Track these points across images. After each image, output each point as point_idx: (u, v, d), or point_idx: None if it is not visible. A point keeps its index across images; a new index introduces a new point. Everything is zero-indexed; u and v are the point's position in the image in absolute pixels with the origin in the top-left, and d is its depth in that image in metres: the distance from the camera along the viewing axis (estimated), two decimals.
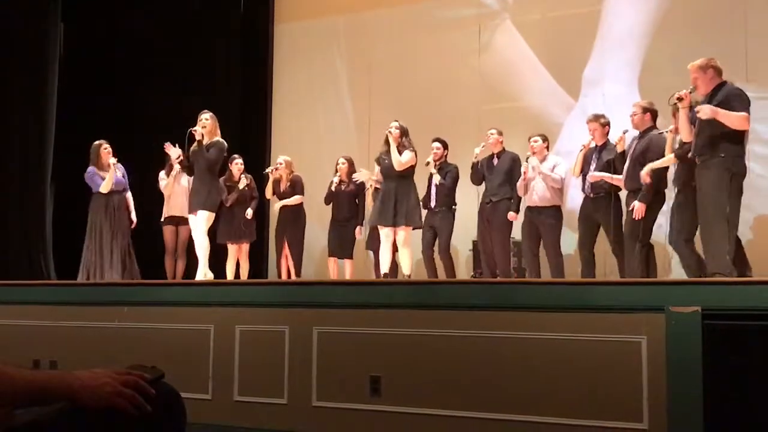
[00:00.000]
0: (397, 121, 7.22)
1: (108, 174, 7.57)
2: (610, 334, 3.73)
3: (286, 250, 8.28)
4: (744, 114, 5.12)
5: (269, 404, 4.48)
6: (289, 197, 8.20)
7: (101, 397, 1.47)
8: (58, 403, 1.49)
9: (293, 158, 8.51)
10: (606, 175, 6.54)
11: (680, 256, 5.83)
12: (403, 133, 7.11)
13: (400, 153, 6.99)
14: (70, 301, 5.34)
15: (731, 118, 5.10)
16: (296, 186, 8.23)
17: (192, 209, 6.97)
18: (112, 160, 7.61)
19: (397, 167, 6.99)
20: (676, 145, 5.89)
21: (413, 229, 7.17)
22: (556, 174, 7.06)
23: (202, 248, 6.94)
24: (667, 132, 6.09)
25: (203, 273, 6.92)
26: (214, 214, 7.06)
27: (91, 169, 7.64)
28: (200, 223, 6.90)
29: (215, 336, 4.69)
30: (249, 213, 8.02)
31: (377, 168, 7.36)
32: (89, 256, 7.51)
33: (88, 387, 1.48)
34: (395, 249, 7.20)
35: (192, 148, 6.97)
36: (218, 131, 7.05)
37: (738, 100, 5.16)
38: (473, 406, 3.96)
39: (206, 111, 7.06)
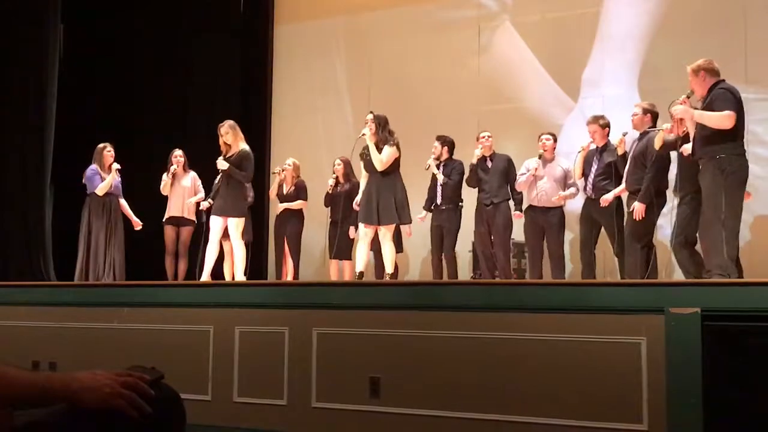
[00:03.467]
0: (372, 112, 6.84)
1: (108, 177, 7.61)
2: (610, 335, 3.73)
3: (287, 252, 8.31)
4: (724, 113, 5.07)
5: (269, 405, 4.47)
6: (293, 201, 8.21)
7: (101, 398, 1.47)
8: (58, 405, 1.49)
9: (290, 158, 8.53)
10: (616, 192, 6.52)
11: (679, 260, 5.83)
12: (380, 124, 6.68)
13: (380, 150, 6.61)
14: (70, 303, 5.34)
15: (710, 119, 5.10)
16: (300, 191, 8.30)
17: (222, 214, 6.99)
18: (116, 166, 7.65)
19: (380, 167, 6.62)
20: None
21: (400, 224, 6.99)
22: (572, 189, 7.07)
23: (241, 253, 7.07)
24: (660, 130, 6.09)
25: (241, 277, 7.03)
26: (244, 219, 7.14)
27: (93, 167, 7.70)
28: (234, 229, 6.97)
29: (215, 337, 4.69)
30: None
31: (361, 164, 6.97)
32: (85, 258, 7.54)
33: (88, 388, 1.48)
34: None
35: (222, 159, 7.02)
36: (241, 137, 7.09)
37: (720, 100, 5.14)
38: (473, 407, 3.96)
39: (224, 123, 7.07)
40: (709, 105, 5.19)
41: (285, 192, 8.28)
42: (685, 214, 5.66)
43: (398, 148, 6.69)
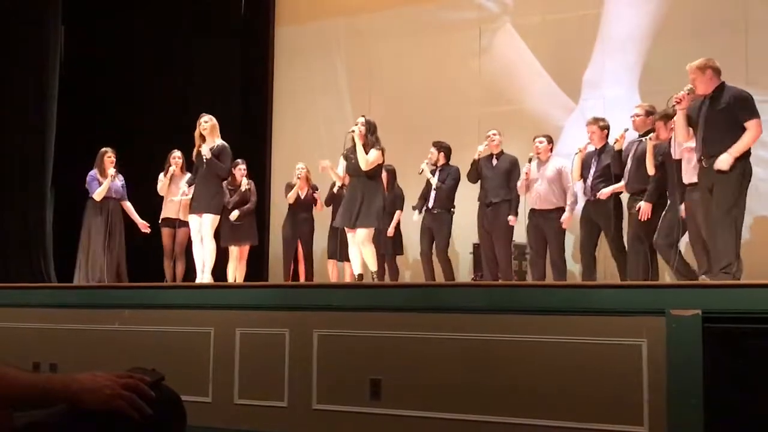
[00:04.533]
0: (363, 116, 6.82)
1: (105, 181, 7.60)
2: (611, 337, 3.72)
3: (300, 254, 8.38)
4: (754, 123, 5.05)
5: (269, 407, 4.47)
6: (311, 203, 8.44)
7: (101, 399, 1.47)
8: (58, 406, 1.49)
9: (293, 160, 8.57)
10: (614, 188, 6.53)
11: (668, 260, 5.81)
12: (370, 129, 6.67)
13: (366, 152, 6.58)
14: (71, 304, 5.34)
15: (746, 141, 5.06)
16: (316, 193, 8.47)
17: (197, 211, 6.98)
18: (111, 171, 7.64)
19: (364, 167, 6.57)
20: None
21: (374, 229, 6.79)
22: (570, 198, 7.04)
23: (210, 252, 6.97)
24: (647, 139, 6.10)
25: (208, 277, 6.95)
26: (219, 217, 7.09)
27: (93, 172, 7.72)
28: (207, 226, 6.93)
29: (215, 339, 4.69)
30: (233, 215, 7.89)
31: (343, 163, 6.88)
32: (82, 261, 7.54)
33: (88, 389, 1.48)
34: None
35: (195, 152, 6.99)
36: (218, 133, 7.05)
37: (745, 107, 5.09)
38: (473, 408, 3.96)
39: (205, 114, 7.06)
40: (726, 109, 5.10)
41: (302, 196, 8.36)
42: (674, 213, 5.67)
43: (383, 154, 6.68)
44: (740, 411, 3.45)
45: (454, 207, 7.63)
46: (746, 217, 6.83)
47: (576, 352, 3.78)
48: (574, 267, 7.64)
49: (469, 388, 4.00)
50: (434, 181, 7.57)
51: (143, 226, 7.96)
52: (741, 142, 5.07)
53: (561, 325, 3.85)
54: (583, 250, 6.76)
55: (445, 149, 7.73)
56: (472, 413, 3.96)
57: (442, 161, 7.71)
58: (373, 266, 6.73)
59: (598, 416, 3.69)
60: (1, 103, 9.33)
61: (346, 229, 6.77)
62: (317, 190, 8.53)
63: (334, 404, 4.30)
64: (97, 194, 7.62)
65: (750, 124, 5.06)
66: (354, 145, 6.68)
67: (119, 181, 7.82)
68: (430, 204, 7.59)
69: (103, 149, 7.80)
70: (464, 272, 8.32)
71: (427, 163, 7.68)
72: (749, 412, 3.44)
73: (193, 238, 7.07)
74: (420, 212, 7.74)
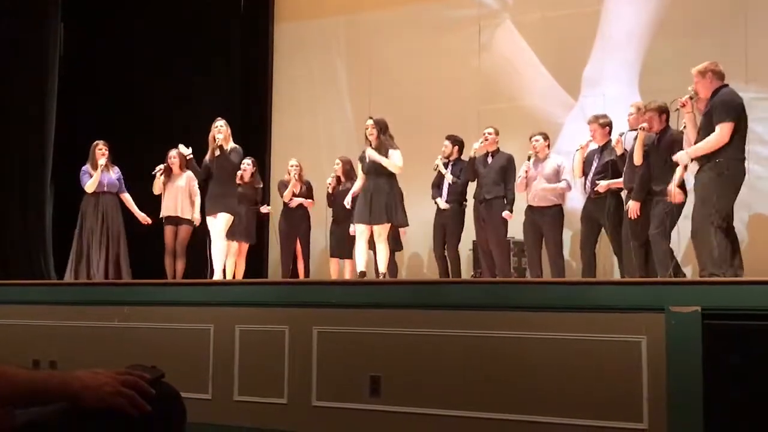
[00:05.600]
0: (371, 117, 6.90)
1: (96, 174, 7.57)
2: (610, 333, 3.73)
3: (298, 251, 8.39)
4: (721, 127, 5.03)
5: (269, 404, 4.48)
6: (306, 198, 8.47)
7: (101, 397, 1.47)
8: (58, 404, 1.49)
9: (293, 158, 8.57)
10: (613, 182, 6.54)
11: (655, 252, 5.85)
12: (381, 129, 6.79)
13: (384, 154, 6.74)
14: (70, 301, 5.34)
15: (707, 144, 5.08)
16: (310, 190, 8.49)
17: (212, 212, 7.06)
18: (102, 161, 7.59)
19: (398, 171, 6.79)
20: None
21: (398, 227, 7.01)
22: (562, 183, 7.05)
23: (221, 250, 7.02)
24: (639, 129, 6.13)
25: (220, 275, 7.01)
26: (233, 217, 7.16)
27: (85, 166, 7.68)
28: (220, 225, 6.97)
29: (215, 336, 4.69)
30: (266, 208, 8.51)
31: (359, 166, 7.06)
32: (75, 256, 7.52)
33: (88, 387, 1.48)
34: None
35: (212, 155, 7.05)
36: (230, 140, 7.17)
37: (722, 110, 5.10)
38: (473, 405, 3.96)
39: (220, 118, 7.15)
40: (709, 113, 5.16)
41: (297, 193, 8.41)
42: (668, 208, 5.70)
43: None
44: (740, 407, 3.46)
45: (466, 201, 7.60)
46: (743, 215, 6.89)
47: (575, 349, 3.79)
48: (571, 263, 7.66)
49: (469, 385, 4.00)
50: (449, 175, 7.54)
51: (143, 219, 7.94)
52: (703, 142, 5.09)
53: (560, 322, 3.85)
54: (584, 247, 6.77)
55: (459, 143, 7.68)
56: (471, 410, 3.96)
57: (455, 155, 7.66)
58: (383, 267, 6.83)
59: (598, 413, 3.70)
60: (1, 101, 9.32)
61: (356, 224, 6.86)
62: (311, 187, 8.53)
63: (333, 401, 4.31)
64: (89, 186, 7.54)
65: (719, 126, 5.05)
66: (370, 145, 6.79)
67: (114, 174, 7.75)
68: (444, 198, 7.55)
69: (95, 142, 7.75)
70: (464, 269, 8.32)
71: (440, 158, 7.66)
72: (749, 408, 3.44)
73: (211, 238, 7.17)
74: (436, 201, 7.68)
